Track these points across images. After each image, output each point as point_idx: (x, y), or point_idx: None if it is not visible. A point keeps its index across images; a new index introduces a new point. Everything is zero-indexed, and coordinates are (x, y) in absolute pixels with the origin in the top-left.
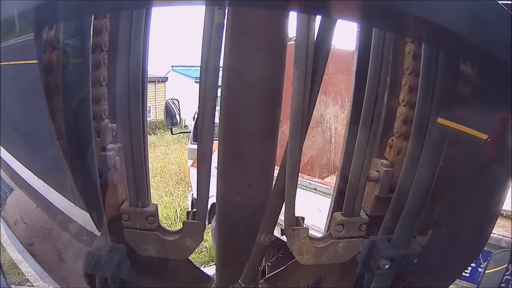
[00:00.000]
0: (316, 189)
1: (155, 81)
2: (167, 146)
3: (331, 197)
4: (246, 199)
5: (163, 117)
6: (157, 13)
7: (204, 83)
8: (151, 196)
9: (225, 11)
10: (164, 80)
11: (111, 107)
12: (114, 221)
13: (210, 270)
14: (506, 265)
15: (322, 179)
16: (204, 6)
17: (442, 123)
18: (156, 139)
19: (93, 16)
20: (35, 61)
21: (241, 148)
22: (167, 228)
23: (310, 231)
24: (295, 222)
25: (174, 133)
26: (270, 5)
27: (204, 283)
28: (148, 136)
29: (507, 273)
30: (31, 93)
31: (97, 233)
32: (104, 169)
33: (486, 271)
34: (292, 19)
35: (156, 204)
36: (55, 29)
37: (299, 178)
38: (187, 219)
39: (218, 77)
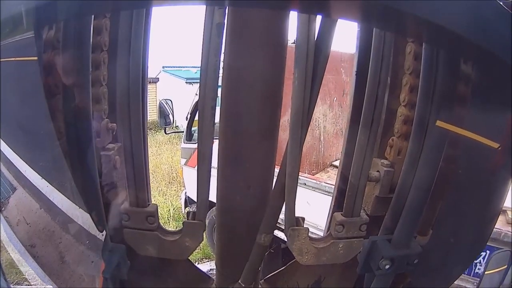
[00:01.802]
0: (305, 184)
1: None
2: (158, 146)
3: (320, 191)
4: (246, 199)
5: (154, 117)
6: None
7: (204, 83)
8: (151, 196)
9: (225, 11)
10: (155, 80)
11: (111, 107)
12: (114, 221)
13: (204, 267)
14: (506, 266)
15: (312, 175)
16: (204, 6)
17: (441, 125)
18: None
19: (93, 16)
20: (36, 58)
21: (241, 148)
22: (167, 228)
23: None
24: (295, 222)
25: (167, 132)
26: (270, 5)
27: (204, 283)
28: None
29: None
30: (34, 92)
31: (99, 235)
32: (104, 169)
33: (486, 272)
34: (293, 20)
35: (156, 204)
36: (55, 28)
37: None
38: (187, 219)
39: (218, 77)
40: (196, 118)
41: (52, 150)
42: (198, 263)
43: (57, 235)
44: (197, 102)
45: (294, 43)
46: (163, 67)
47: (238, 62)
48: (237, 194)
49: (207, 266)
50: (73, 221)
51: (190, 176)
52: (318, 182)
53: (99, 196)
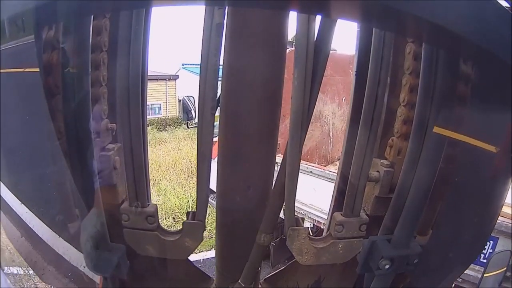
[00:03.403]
0: (312, 172)
1: (165, 79)
2: (178, 141)
3: (324, 178)
4: (246, 199)
5: (173, 114)
6: (167, 12)
7: (204, 83)
8: (151, 196)
9: (225, 11)
10: (174, 78)
11: (111, 107)
12: (114, 222)
13: None
14: (505, 268)
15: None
16: (204, 6)
17: (438, 131)
18: (167, 135)
19: (92, 16)
20: (36, 70)
21: (241, 148)
22: (166, 228)
23: (307, 209)
24: (295, 222)
25: (189, 126)
26: (270, 5)
27: (204, 283)
28: (160, 132)
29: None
30: (17, 108)
31: (81, 266)
32: (103, 169)
33: (485, 275)
34: (292, 19)
35: (156, 205)
36: (55, 29)
37: None
38: (187, 219)
39: (218, 77)
40: (217, 113)
41: (30, 171)
42: (214, 249)
43: (39, 266)
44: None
45: (293, 43)
46: (183, 65)
47: (238, 62)
48: (237, 194)
49: None
50: (54, 252)
51: None
52: (323, 170)
53: (99, 196)
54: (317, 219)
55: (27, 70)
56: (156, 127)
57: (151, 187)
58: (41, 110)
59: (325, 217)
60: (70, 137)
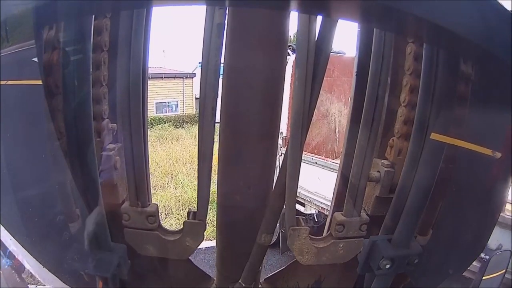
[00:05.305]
0: (316, 163)
1: (182, 77)
2: (194, 138)
3: (328, 169)
4: (246, 199)
5: (190, 111)
6: (183, 10)
7: (205, 83)
8: (151, 196)
9: (225, 11)
10: (191, 76)
11: (112, 107)
12: (115, 221)
13: None
14: (505, 270)
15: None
16: (205, 6)
17: (436, 138)
18: (184, 132)
19: (93, 16)
20: (39, 82)
21: (241, 148)
22: (167, 228)
23: (313, 197)
24: (295, 222)
25: None
26: (270, 5)
27: (204, 283)
28: (177, 129)
29: None
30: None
31: None
32: (104, 169)
33: (484, 277)
34: (293, 20)
35: (157, 204)
36: (55, 29)
37: (303, 155)
38: (188, 219)
39: (219, 77)
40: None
41: (9, 194)
42: None
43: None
44: None
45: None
46: (199, 63)
47: (238, 62)
48: (237, 194)
49: None
50: (40, 283)
51: None
52: (325, 161)
53: (100, 196)
54: (321, 206)
55: (28, 82)
56: (173, 124)
57: (169, 181)
58: (38, 118)
59: (328, 203)
60: (70, 137)
